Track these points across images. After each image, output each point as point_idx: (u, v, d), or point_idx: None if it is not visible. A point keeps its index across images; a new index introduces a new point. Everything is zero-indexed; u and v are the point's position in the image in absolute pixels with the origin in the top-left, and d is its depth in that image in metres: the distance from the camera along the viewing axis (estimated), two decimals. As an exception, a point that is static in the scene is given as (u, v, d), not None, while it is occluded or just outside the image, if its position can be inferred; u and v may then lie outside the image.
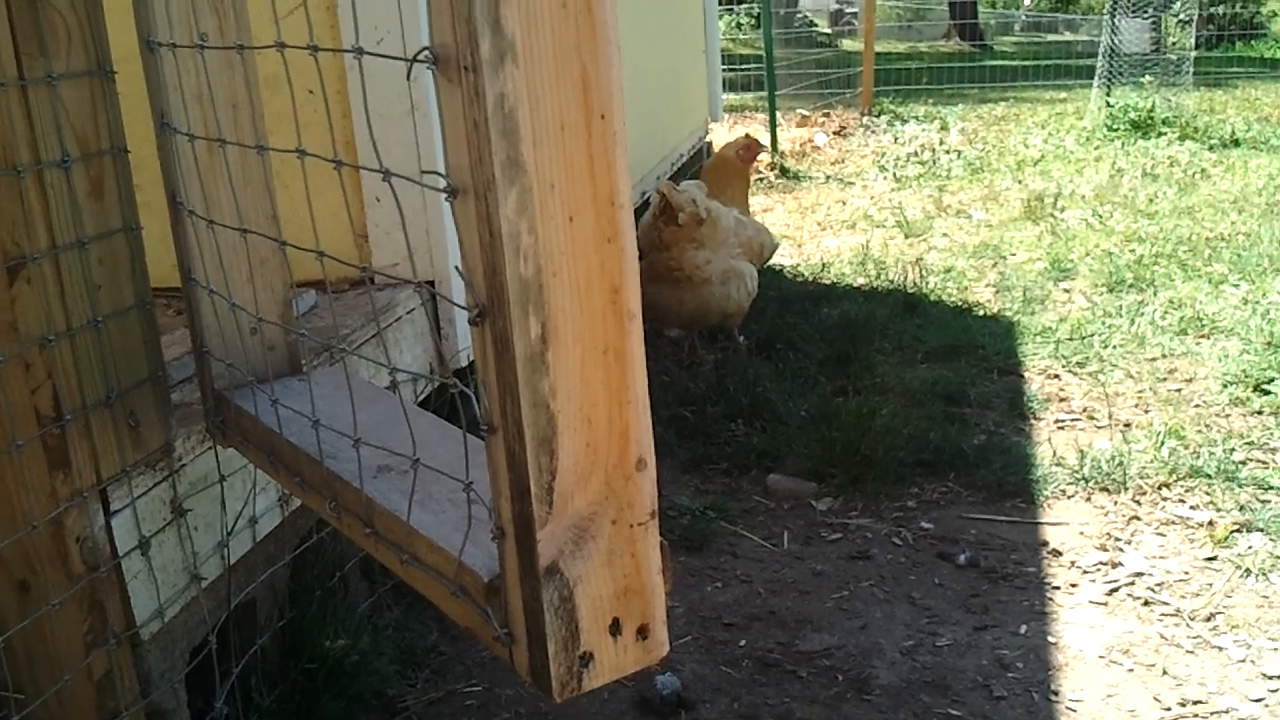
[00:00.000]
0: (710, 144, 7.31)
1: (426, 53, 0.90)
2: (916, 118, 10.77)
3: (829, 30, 22.70)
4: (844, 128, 10.10)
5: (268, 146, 1.41)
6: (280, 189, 1.65)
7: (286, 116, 1.70)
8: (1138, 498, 2.88)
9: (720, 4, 16.47)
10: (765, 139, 8.63)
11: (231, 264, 1.58)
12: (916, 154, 8.66)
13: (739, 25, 20.54)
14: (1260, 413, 3.34)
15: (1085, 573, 2.59)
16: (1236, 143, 8.51)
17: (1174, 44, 9.80)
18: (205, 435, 1.78)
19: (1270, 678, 2.18)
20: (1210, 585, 2.50)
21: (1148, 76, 9.43)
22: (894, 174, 7.94)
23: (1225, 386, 3.54)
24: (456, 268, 0.96)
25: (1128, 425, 3.33)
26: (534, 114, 0.89)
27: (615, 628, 1.04)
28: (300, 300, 2.28)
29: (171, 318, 2.40)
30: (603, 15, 0.90)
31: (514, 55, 0.87)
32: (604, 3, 0.90)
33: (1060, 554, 2.67)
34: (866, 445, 3.11)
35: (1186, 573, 2.55)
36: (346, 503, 1.36)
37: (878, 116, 10.66)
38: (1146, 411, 3.42)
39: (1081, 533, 2.76)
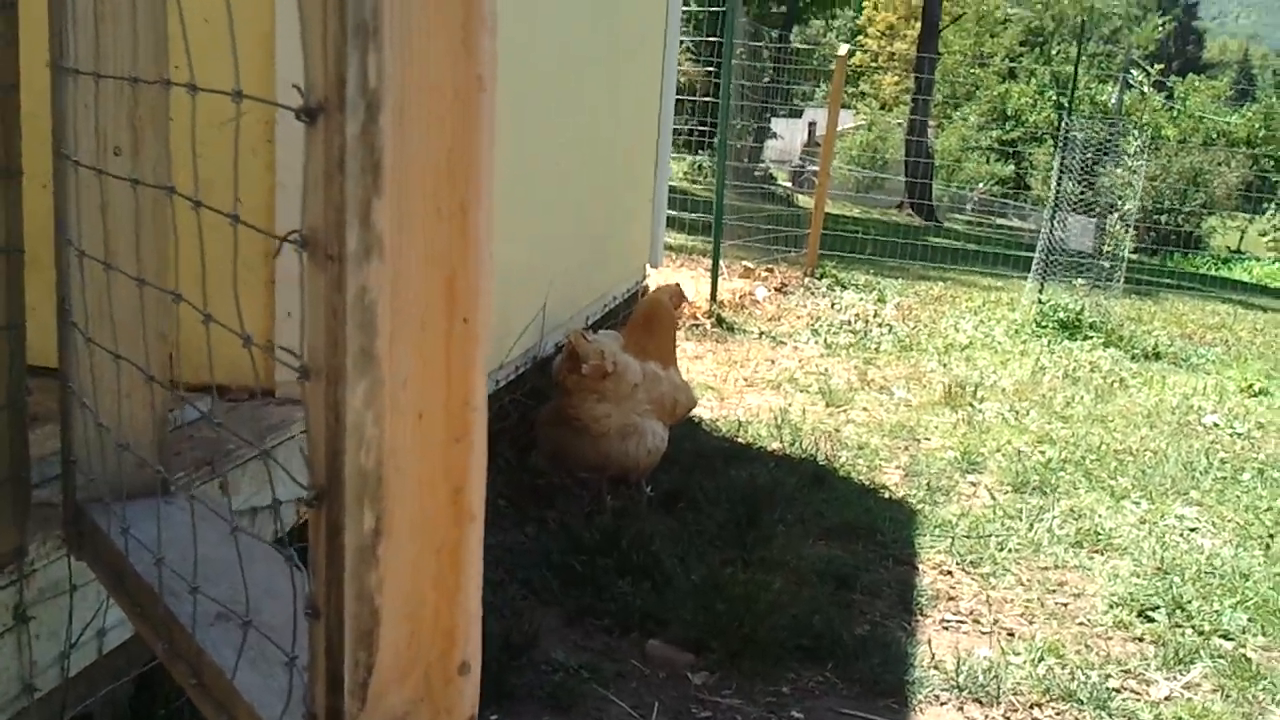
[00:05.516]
0: (646, 288, 7.38)
1: (296, 235, 0.89)
2: (856, 286, 11.00)
3: (789, 186, 23.28)
4: (785, 285, 10.26)
5: (146, 282, 1.39)
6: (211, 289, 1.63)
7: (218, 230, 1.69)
8: (1009, 714, 2.87)
9: (685, 147, 16.89)
10: (706, 287, 8.75)
11: (105, 378, 1.55)
12: (850, 323, 8.81)
13: (700, 168, 20.94)
14: (1141, 640, 3.36)
15: (946, 785, 2.57)
16: (1158, 355, 8.76)
17: (1108, 251, 10.13)
18: (63, 541, 1.73)
19: None
20: (1067, 814, 2.48)
21: (1079, 280, 9.70)
22: (825, 340, 8.05)
23: (1111, 607, 3.56)
24: (301, 449, 0.95)
25: (1011, 634, 3.34)
26: (395, 310, 0.89)
27: (418, 834, 1.00)
28: (189, 408, 2.24)
29: (60, 405, 2.35)
30: (476, 224, 0.91)
31: (380, 251, 0.87)
32: (479, 212, 0.91)
33: (925, 761, 2.65)
34: (750, 621, 3.08)
35: (1045, 798, 2.54)
36: (179, 647, 1.32)
37: (820, 279, 10.86)
38: (1031, 622, 3.43)
39: (949, 742, 2.74)
